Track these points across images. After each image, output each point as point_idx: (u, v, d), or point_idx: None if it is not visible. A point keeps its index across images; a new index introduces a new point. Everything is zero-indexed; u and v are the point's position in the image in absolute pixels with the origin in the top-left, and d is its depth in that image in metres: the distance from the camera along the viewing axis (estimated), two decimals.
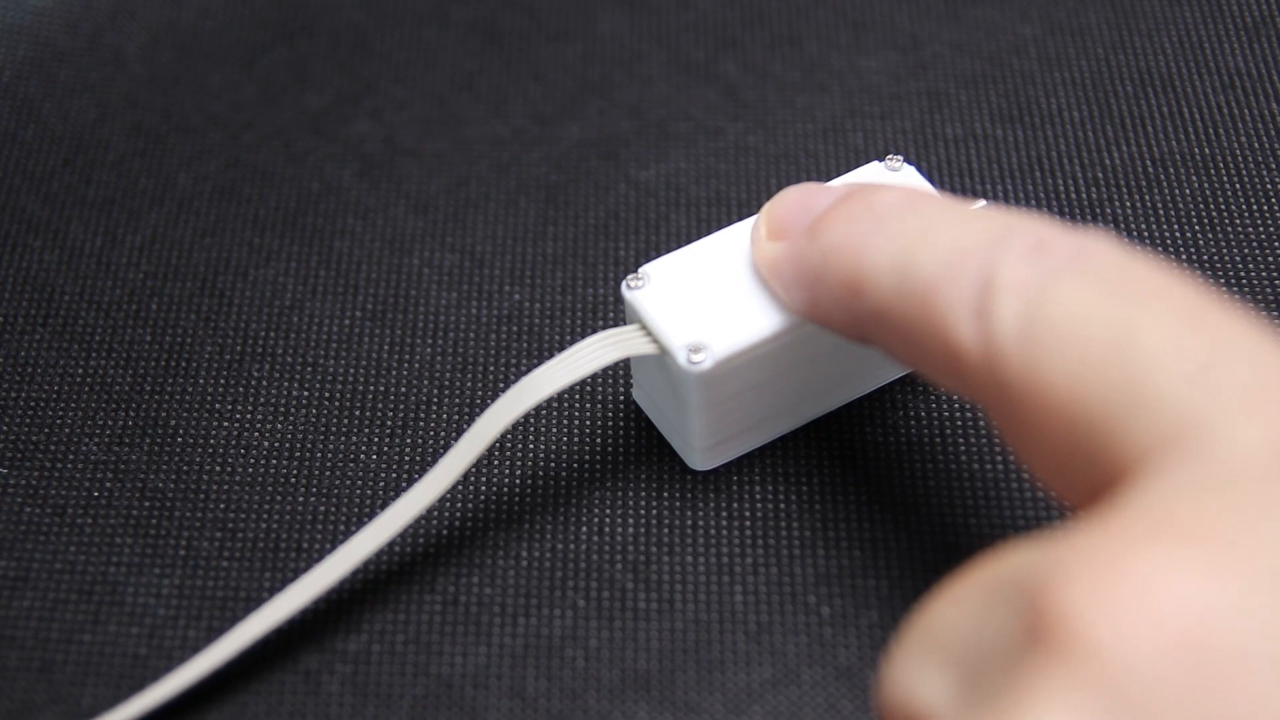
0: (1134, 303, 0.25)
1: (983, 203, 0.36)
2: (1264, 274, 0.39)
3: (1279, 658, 0.21)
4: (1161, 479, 0.24)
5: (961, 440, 0.36)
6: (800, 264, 0.32)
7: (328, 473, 0.37)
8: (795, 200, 0.33)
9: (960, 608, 0.25)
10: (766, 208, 0.33)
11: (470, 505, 0.36)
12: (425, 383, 0.38)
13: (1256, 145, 0.42)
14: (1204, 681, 0.21)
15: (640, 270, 0.34)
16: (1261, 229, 0.40)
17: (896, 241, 0.29)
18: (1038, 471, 0.27)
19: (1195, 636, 0.22)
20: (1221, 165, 0.42)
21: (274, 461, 0.37)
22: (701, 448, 0.35)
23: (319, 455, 0.37)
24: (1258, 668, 0.21)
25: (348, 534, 0.36)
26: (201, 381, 0.39)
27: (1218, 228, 0.40)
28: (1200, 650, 0.22)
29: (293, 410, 0.38)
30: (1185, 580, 0.22)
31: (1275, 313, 0.39)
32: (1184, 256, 0.40)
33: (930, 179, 0.42)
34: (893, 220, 0.29)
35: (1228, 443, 0.23)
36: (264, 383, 0.38)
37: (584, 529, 0.36)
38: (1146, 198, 0.41)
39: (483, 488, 0.36)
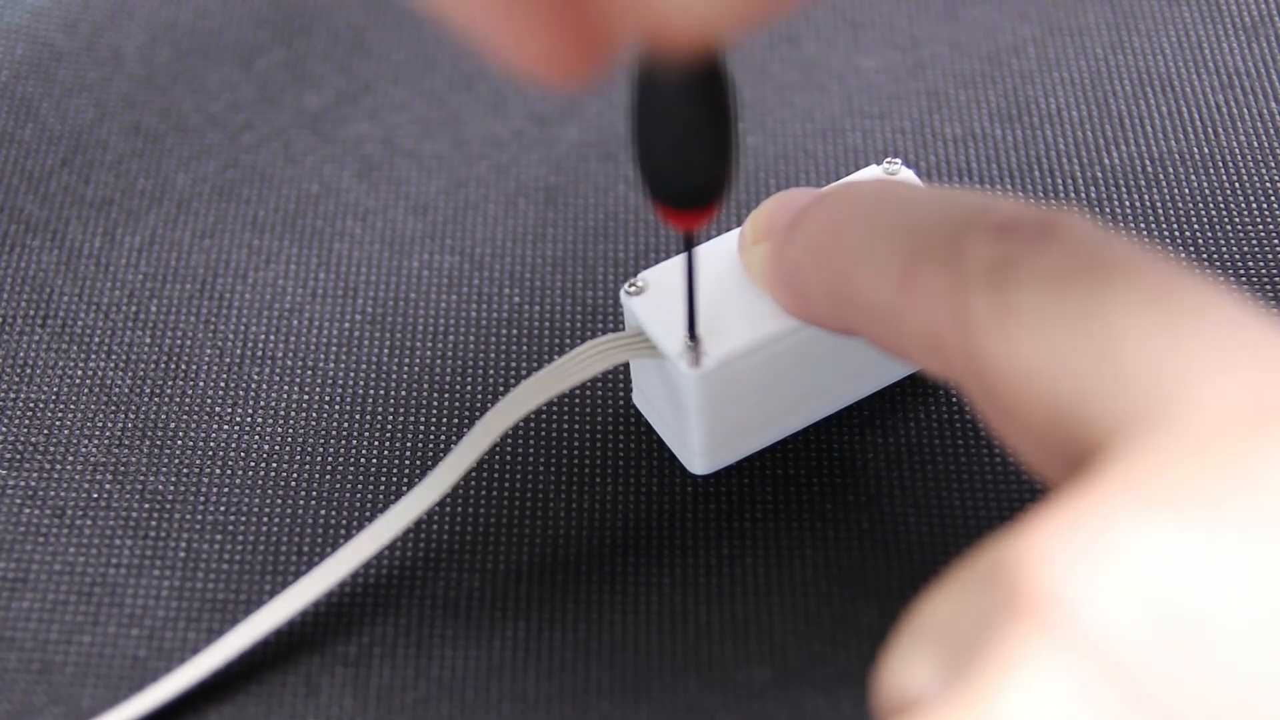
0: (1102, 276, 0.25)
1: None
2: (1264, 272, 0.39)
3: (1251, 617, 0.22)
4: (1134, 448, 0.24)
5: (960, 442, 0.37)
6: (783, 261, 0.32)
7: (327, 476, 0.37)
8: (777, 203, 0.33)
9: (943, 599, 0.25)
10: (753, 214, 0.33)
11: (470, 508, 0.36)
12: (425, 386, 0.38)
13: (1256, 145, 0.42)
14: (1180, 643, 0.22)
15: (639, 276, 0.34)
16: (1261, 227, 0.40)
17: (872, 229, 0.29)
18: (1019, 451, 0.27)
19: (1170, 599, 0.22)
20: (1221, 165, 0.42)
21: (274, 464, 0.37)
22: (701, 451, 0.35)
23: (319, 458, 0.37)
24: (1231, 627, 0.22)
25: (347, 537, 0.36)
26: (201, 384, 0.39)
27: (1217, 227, 0.40)
28: (1176, 612, 0.22)
29: (292, 413, 0.38)
30: (1159, 544, 0.22)
31: (1276, 311, 0.39)
32: (1184, 256, 0.40)
33: (929, 179, 0.42)
34: (868, 209, 0.29)
35: (1199, 410, 0.24)
36: (263, 386, 0.38)
37: (584, 532, 0.36)
38: (1146, 197, 0.41)
39: (482, 491, 0.36)
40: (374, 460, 0.37)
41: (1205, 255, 0.40)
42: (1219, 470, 0.23)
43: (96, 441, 0.38)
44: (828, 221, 0.30)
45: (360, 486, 0.37)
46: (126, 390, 0.39)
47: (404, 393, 0.38)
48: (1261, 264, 0.40)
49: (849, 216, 0.30)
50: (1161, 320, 0.25)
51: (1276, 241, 0.40)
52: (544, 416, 0.37)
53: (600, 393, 0.38)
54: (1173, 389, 0.24)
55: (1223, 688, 0.21)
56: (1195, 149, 0.42)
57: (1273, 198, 0.41)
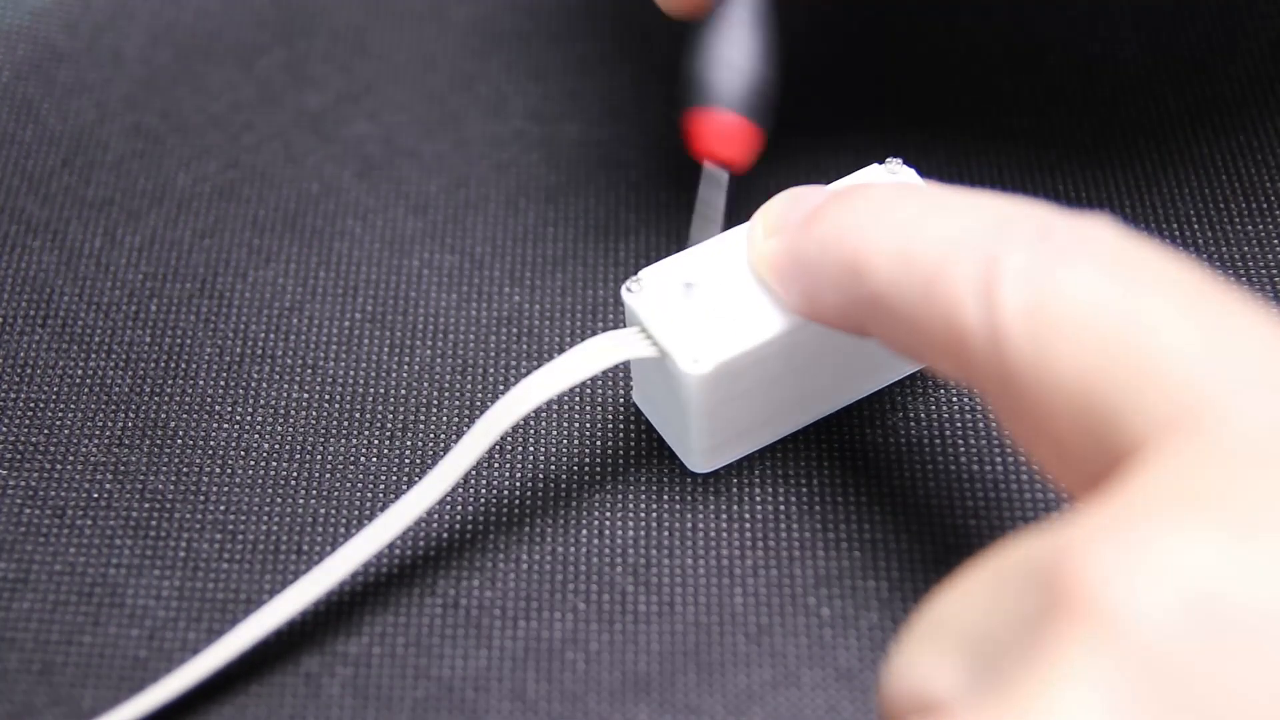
0: (1139, 285, 0.26)
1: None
2: (1263, 272, 0.39)
3: None
4: (1173, 455, 0.24)
5: (961, 442, 0.36)
6: (796, 255, 0.32)
7: (328, 475, 0.37)
8: (790, 198, 0.33)
9: (970, 596, 0.25)
10: (762, 209, 0.33)
11: (470, 508, 0.36)
12: (425, 385, 0.38)
13: (1256, 145, 0.42)
14: (1226, 650, 0.21)
15: (640, 274, 0.34)
16: (1261, 227, 0.40)
17: (897, 225, 0.29)
18: (1040, 458, 0.27)
19: (1217, 606, 0.22)
20: (1221, 165, 0.42)
21: (274, 463, 0.37)
22: (701, 450, 0.35)
23: (319, 457, 0.37)
24: (1278, 636, 0.22)
25: (348, 536, 0.36)
26: (201, 383, 0.39)
27: (1217, 227, 0.40)
28: (1222, 619, 0.22)
29: (292, 412, 0.38)
30: (1204, 549, 0.22)
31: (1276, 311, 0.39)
32: (1183, 256, 0.40)
33: (930, 179, 0.42)
34: (892, 206, 0.29)
35: (1237, 419, 0.24)
36: (264, 385, 0.38)
37: (584, 531, 0.36)
38: (1146, 198, 0.41)
39: (483, 490, 0.36)
40: (374, 459, 0.37)
41: (1205, 255, 0.40)
42: (1260, 478, 0.23)
43: (96, 441, 0.38)
44: (849, 219, 0.30)
45: (360, 486, 0.37)
46: (126, 390, 0.39)
47: (404, 392, 0.38)
48: (1261, 265, 0.40)
49: (873, 214, 0.30)
50: (1199, 332, 0.25)
51: (1276, 242, 0.40)
52: (544, 415, 0.37)
53: (600, 391, 0.38)
54: (1212, 399, 0.24)
55: (1273, 693, 0.21)
56: (1195, 149, 0.42)
57: (1272, 198, 0.41)
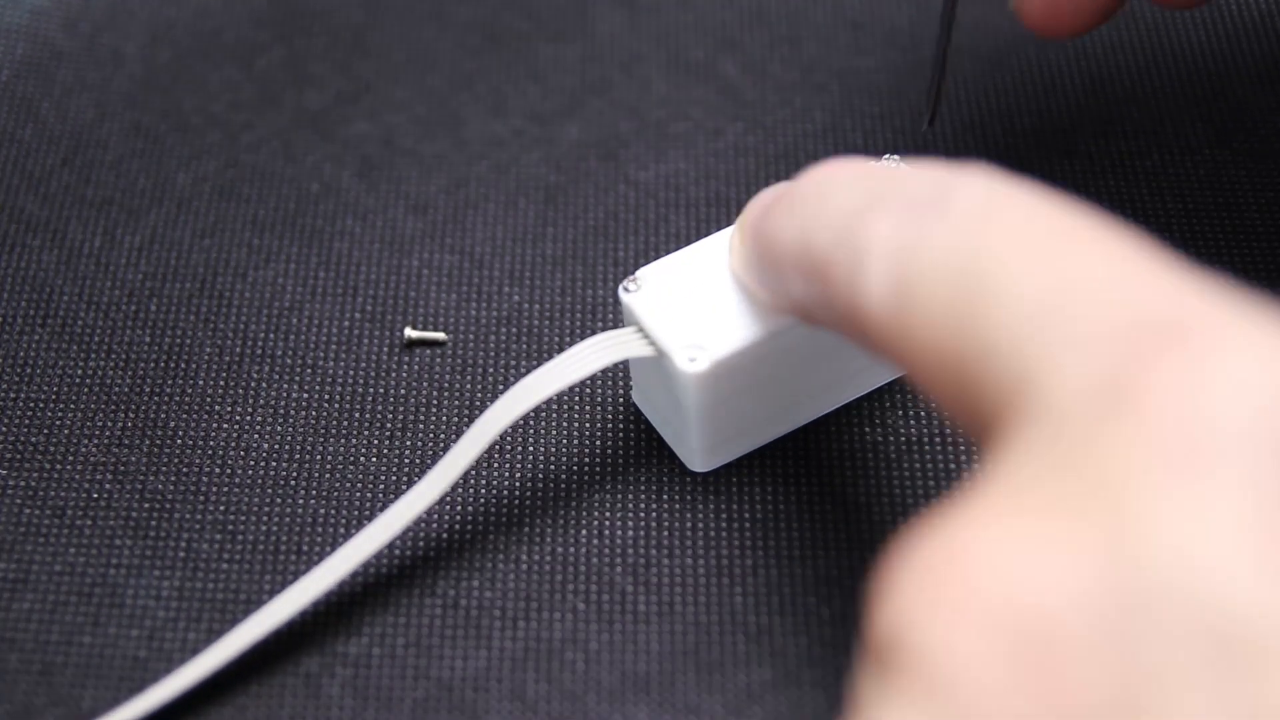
0: (987, 244, 0.24)
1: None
2: (1265, 272, 0.39)
3: (1102, 630, 0.20)
4: (999, 445, 0.23)
5: (962, 441, 0.36)
6: (750, 259, 0.32)
7: (327, 475, 0.37)
8: (759, 201, 0.33)
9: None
10: (740, 215, 0.34)
11: (470, 508, 0.36)
12: (424, 384, 0.38)
13: (1257, 145, 0.42)
14: (1038, 675, 0.20)
15: (637, 274, 0.34)
16: (1262, 227, 0.40)
17: (799, 220, 0.29)
18: (958, 427, 0.27)
19: (1024, 629, 0.21)
20: (1222, 165, 0.42)
21: (273, 463, 0.37)
22: (700, 449, 0.35)
23: (318, 457, 0.37)
24: (1087, 648, 0.20)
25: (347, 536, 0.36)
26: (201, 383, 0.39)
27: (1219, 226, 0.40)
28: (1031, 643, 0.21)
29: (292, 412, 0.38)
30: (1012, 570, 0.21)
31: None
32: (1186, 254, 0.40)
33: None
34: (801, 200, 0.30)
35: (1054, 389, 0.22)
36: (263, 384, 0.38)
37: (584, 531, 0.36)
38: (1147, 198, 0.41)
39: (482, 490, 0.36)
40: (374, 459, 0.37)
41: (1206, 255, 0.40)
42: (1064, 467, 0.22)
43: (96, 441, 0.38)
44: (775, 219, 0.30)
45: (360, 485, 0.37)
46: (126, 390, 0.39)
47: (404, 391, 0.38)
48: (1262, 264, 0.40)
49: (788, 209, 0.30)
50: (1036, 288, 0.23)
51: (1278, 242, 0.40)
52: (543, 415, 0.37)
53: (600, 390, 0.38)
54: (1035, 367, 0.23)
55: (1074, 707, 0.20)
56: (1197, 149, 0.42)
57: (1274, 198, 0.41)
